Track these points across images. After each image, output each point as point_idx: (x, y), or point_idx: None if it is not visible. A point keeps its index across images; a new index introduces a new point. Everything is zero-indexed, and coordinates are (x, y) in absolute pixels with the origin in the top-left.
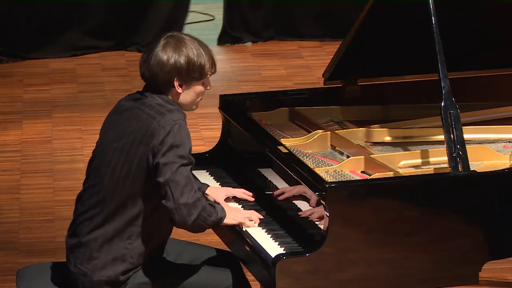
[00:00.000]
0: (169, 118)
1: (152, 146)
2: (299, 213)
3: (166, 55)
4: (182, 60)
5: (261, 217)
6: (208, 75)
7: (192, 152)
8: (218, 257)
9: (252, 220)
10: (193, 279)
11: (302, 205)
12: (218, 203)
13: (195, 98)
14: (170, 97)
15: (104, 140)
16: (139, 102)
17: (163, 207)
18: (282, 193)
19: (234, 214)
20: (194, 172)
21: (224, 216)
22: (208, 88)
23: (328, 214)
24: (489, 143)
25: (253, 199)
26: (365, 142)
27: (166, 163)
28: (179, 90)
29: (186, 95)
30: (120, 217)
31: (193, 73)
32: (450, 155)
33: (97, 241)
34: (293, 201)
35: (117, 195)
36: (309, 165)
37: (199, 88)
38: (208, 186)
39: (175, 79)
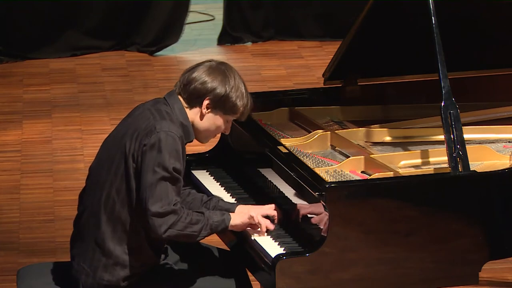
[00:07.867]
0: (165, 125)
1: (143, 146)
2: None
3: (213, 77)
4: (221, 88)
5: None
6: (236, 115)
7: (183, 168)
8: (222, 260)
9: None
10: (196, 286)
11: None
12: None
13: (211, 128)
14: (189, 112)
15: (108, 137)
16: (154, 104)
17: None
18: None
19: (240, 215)
20: (194, 172)
21: (227, 219)
22: (226, 132)
23: (328, 214)
24: (489, 143)
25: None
26: (365, 142)
27: (149, 169)
28: (204, 110)
29: (206, 120)
30: (120, 223)
31: (226, 104)
32: (450, 155)
33: (100, 244)
34: (294, 202)
35: (114, 200)
36: (309, 165)
37: (220, 121)
38: (238, 205)
39: (207, 97)
